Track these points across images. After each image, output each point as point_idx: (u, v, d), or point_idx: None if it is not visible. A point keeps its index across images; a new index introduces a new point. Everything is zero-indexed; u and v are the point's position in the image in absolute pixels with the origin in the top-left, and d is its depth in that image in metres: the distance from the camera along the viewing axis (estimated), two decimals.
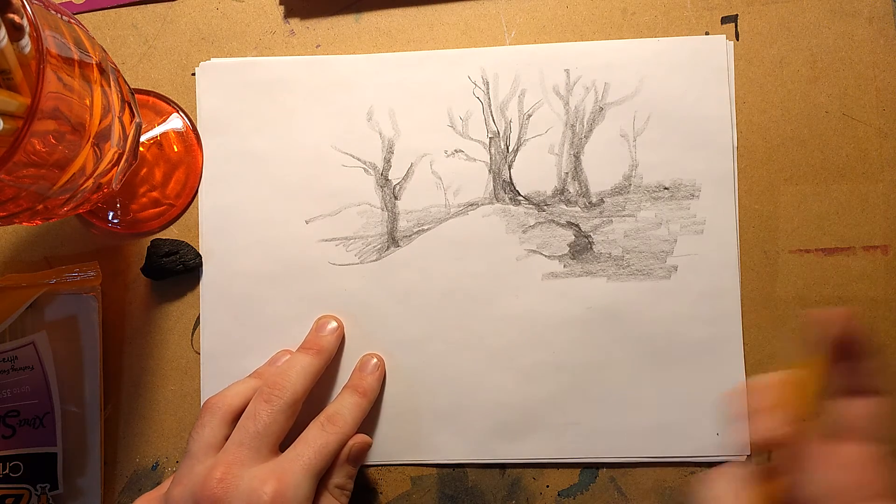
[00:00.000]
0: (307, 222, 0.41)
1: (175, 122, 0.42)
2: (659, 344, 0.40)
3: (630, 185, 0.41)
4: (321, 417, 0.37)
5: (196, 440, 0.35)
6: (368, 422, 0.41)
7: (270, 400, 0.35)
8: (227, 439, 0.35)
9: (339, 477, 0.36)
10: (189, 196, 0.42)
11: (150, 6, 0.43)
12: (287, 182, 0.42)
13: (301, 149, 0.42)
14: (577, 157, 0.41)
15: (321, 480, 0.35)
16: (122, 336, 0.42)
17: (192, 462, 0.34)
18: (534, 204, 0.41)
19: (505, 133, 0.41)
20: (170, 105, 0.42)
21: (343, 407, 0.37)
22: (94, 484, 0.40)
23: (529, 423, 0.40)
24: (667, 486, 0.40)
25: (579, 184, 0.41)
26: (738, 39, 0.41)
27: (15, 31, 0.28)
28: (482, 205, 0.41)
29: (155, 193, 0.42)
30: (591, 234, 0.41)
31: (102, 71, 0.31)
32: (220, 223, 0.42)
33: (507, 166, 0.41)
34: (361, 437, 0.37)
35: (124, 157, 0.34)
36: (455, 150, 0.41)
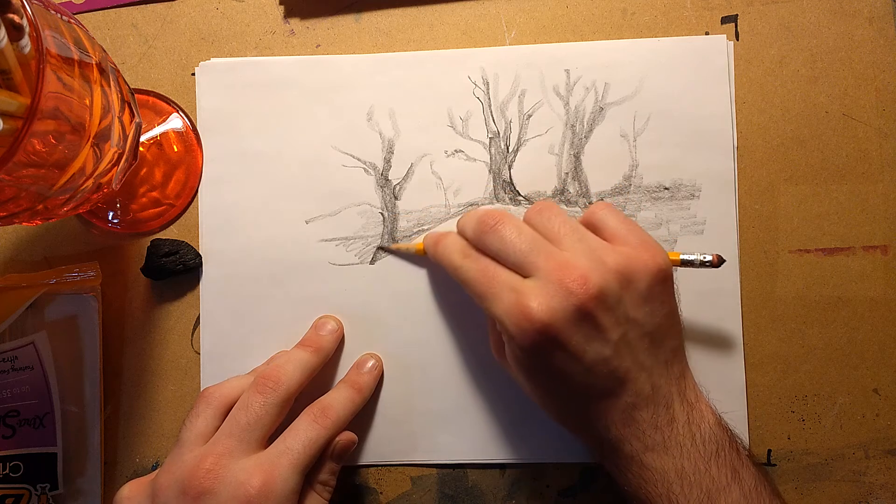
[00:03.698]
0: (307, 222, 0.41)
1: (175, 122, 0.42)
2: None
3: (630, 185, 0.41)
4: (314, 408, 0.36)
5: (188, 428, 0.35)
6: (368, 422, 0.41)
7: (264, 392, 0.35)
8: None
9: (324, 473, 0.36)
10: (189, 196, 0.42)
11: (150, 6, 0.43)
12: (287, 182, 0.41)
13: (301, 149, 0.42)
14: (577, 157, 0.41)
15: (306, 476, 0.35)
16: (122, 336, 0.42)
17: (181, 450, 0.34)
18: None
19: (505, 133, 0.41)
20: (170, 105, 0.42)
21: (337, 401, 0.37)
22: (94, 484, 0.40)
23: (529, 423, 0.40)
24: None
25: (579, 184, 0.41)
26: (738, 39, 0.41)
27: (15, 31, 0.28)
28: (482, 205, 0.41)
29: (155, 193, 0.42)
30: None
31: (102, 71, 0.31)
32: (220, 223, 0.42)
33: (507, 166, 0.41)
34: (347, 435, 0.37)
35: (124, 157, 0.34)
36: (455, 150, 0.41)
